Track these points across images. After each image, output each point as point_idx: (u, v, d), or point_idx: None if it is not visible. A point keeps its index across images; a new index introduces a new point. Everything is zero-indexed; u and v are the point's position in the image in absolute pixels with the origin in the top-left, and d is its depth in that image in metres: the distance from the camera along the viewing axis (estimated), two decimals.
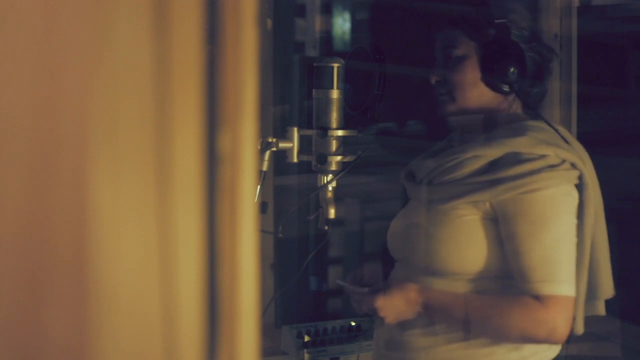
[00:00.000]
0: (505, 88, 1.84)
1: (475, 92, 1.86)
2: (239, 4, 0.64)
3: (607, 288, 1.90)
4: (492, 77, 1.84)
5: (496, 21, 1.86)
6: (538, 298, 1.72)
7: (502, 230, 1.78)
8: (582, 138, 2.54)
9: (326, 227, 1.86)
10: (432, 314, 1.79)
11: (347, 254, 3.09)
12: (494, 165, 1.81)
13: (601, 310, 1.92)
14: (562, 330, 1.73)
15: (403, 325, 1.86)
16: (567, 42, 2.56)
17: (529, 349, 1.80)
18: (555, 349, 1.85)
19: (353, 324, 2.49)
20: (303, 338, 2.41)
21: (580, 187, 1.80)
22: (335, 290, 2.94)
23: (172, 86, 0.60)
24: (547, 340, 1.75)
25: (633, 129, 2.73)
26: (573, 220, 1.78)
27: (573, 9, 2.56)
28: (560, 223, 1.75)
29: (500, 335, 1.78)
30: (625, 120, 2.80)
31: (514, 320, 1.73)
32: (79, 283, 0.58)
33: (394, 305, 1.79)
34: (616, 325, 2.56)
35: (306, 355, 2.39)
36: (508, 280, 1.78)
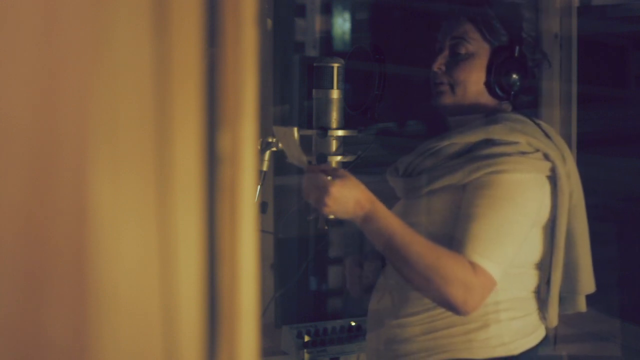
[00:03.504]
0: (505, 97, 1.86)
1: (475, 91, 1.87)
2: (239, 4, 0.64)
3: (587, 284, 1.91)
4: (496, 84, 1.85)
5: (513, 30, 1.87)
6: (472, 265, 1.69)
7: (462, 203, 1.76)
8: (582, 138, 2.54)
9: (326, 227, 1.86)
10: (371, 227, 1.70)
11: (347, 254, 3.09)
12: (468, 150, 1.82)
13: (582, 306, 1.93)
14: (474, 304, 1.69)
15: (387, 318, 1.86)
16: (567, 42, 2.56)
17: (509, 335, 1.80)
18: (537, 337, 1.86)
19: (353, 324, 2.49)
20: (303, 338, 2.41)
21: (552, 179, 1.80)
22: (335, 290, 2.94)
23: (172, 86, 0.60)
24: (457, 306, 1.69)
25: (633, 129, 2.73)
26: (533, 211, 1.77)
27: (573, 9, 2.56)
28: (518, 208, 1.75)
29: (421, 278, 1.69)
30: (625, 120, 2.80)
31: (443, 270, 1.67)
32: (79, 283, 0.58)
33: (344, 198, 1.67)
34: (616, 325, 2.56)
35: (306, 355, 2.39)
36: None
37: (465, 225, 1.73)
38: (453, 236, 1.75)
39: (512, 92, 1.86)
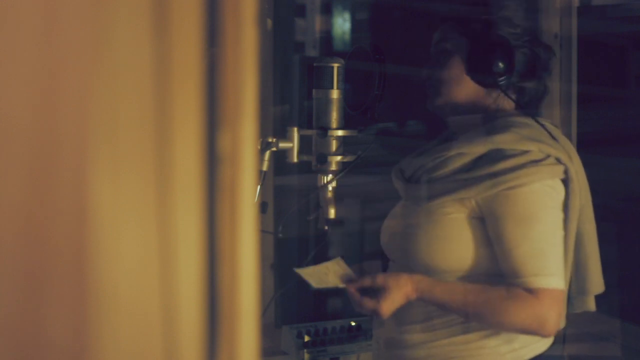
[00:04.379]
0: (490, 81, 1.84)
1: (461, 87, 1.87)
2: (239, 4, 0.64)
3: (596, 284, 1.91)
4: (476, 71, 1.85)
5: (483, 17, 1.87)
6: (531, 291, 1.72)
7: (489, 227, 1.78)
8: (582, 138, 2.54)
9: (326, 227, 1.86)
10: (427, 302, 1.79)
11: (347, 254, 3.09)
12: (478, 162, 1.81)
13: (591, 305, 1.93)
14: (554, 323, 1.74)
15: (401, 323, 1.86)
16: (567, 42, 2.56)
17: (519, 341, 1.81)
18: (547, 342, 1.86)
19: (353, 324, 2.49)
20: (303, 338, 2.41)
21: (565, 181, 1.80)
22: (336, 290, 2.95)
23: (172, 86, 0.60)
24: (538, 333, 1.76)
25: (633, 129, 2.73)
26: (559, 214, 1.79)
27: (573, 9, 2.56)
28: (546, 217, 1.76)
29: (493, 324, 1.79)
30: (625, 120, 2.80)
31: (507, 312, 1.73)
32: (79, 283, 0.58)
33: (394, 305, 1.76)
34: (616, 325, 2.56)
35: (306, 355, 2.39)
36: (496, 278, 1.78)
37: (507, 257, 1.76)
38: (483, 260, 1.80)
39: (493, 75, 1.83)
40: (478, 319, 1.78)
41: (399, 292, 1.76)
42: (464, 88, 1.87)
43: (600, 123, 2.79)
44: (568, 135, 2.50)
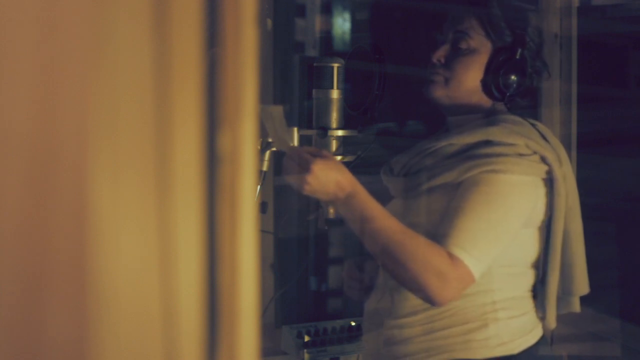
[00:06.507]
0: (499, 97, 1.85)
1: (469, 87, 1.86)
2: (239, 4, 0.64)
3: (582, 285, 1.91)
4: (492, 83, 1.84)
5: (517, 32, 1.86)
6: (451, 256, 1.68)
7: (456, 195, 1.76)
8: (582, 138, 2.54)
9: (326, 227, 1.86)
10: (350, 210, 1.67)
11: (347, 254, 3.09)
12: (466, 150, 1.82)
13: (576, 307, 1.93)
14: (448, 295, 1.67)
15: (386, 318, 1.86)
16: (567, 42, 2.56)
17: (508, 334, 1.80)
18: (535, 335, 1.86)
19: (353, 324, 2.49)
20: (303, 338, 2.41)
21: (549, 182, 1.80)
22: (335, 290, 2.95)
23: (172, 86, 0.60)
24: (432, 294, 1.66)
25: (633, 129, 2.73)
26: (524, 213, 1.77)
27: (573, 9, 2.56)
28: (508, 208, 1.74)
29: (397, 265, 1.67)
30: (625, 120, 2.80)
31: (419, 256, 1.65)
32: (79, 283, 0.58)
33: (325, 177, 1.63)
34: (616, 325, 2.56)
35: (306, 355, 2.39)
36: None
37: (452, 218, 1.72)
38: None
39: (507, 94, 1.85)
40: (388, 253, 1.67)
41: (337, 169, 1.64)
42: (471, 89, 1.87)
43: (600, 123, 2.79)
44: (568, 135, 2.51)
